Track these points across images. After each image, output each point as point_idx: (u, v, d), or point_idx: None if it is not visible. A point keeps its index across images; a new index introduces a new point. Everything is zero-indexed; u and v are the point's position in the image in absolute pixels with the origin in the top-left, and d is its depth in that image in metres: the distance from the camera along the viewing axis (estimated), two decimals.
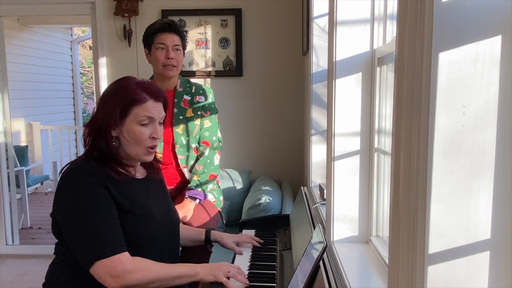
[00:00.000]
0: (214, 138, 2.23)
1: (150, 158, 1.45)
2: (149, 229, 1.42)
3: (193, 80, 2.36)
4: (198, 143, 2.24)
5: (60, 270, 1.42)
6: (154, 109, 1.40)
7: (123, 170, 1.42)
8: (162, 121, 1.47)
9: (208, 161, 2.19)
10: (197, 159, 2.22)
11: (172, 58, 2.10)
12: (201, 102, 2.22)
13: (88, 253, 1.29)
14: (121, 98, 1.38)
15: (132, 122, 1.38)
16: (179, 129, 2.18)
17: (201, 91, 2.23)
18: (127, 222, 1.37)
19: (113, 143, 1.40)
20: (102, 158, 1.40)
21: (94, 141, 1.41)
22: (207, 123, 2.23)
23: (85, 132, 1.44)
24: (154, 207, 1.47)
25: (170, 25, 2.13)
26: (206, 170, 2.18)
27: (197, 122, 2.21)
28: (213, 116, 2.25)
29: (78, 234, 1.31)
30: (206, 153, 2.20)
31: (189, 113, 2.19)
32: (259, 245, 1.78)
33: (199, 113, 2.21)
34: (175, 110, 2.17)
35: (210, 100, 2.24)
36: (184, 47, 2.18)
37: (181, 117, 2.18)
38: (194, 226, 2.04)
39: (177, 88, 2.20)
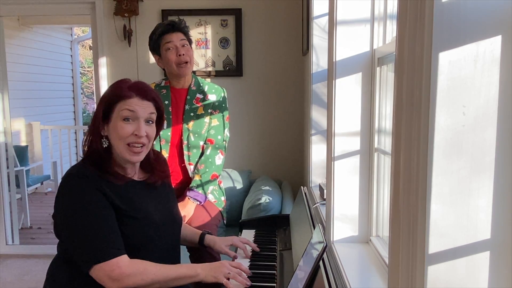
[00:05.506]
0: (219, 137, 2.23)
1: (135, 158, 1.41)
2: (147, 232, 1.42)
3: None
4: (205, 141, 2.25)
5: (61, 266, 1.42)
6: (137, 105, 1.38)
7: (120, 173, 1.42)
8: (152, 120, 1.44)
9: (210, 160, 2.18)
10: (197, 161, 2.23)
11: (183, 55, 2.13)
12: (212, 100, 2.24)
13: (86, 257, 1.30)
14: (108, 96, 1.41)
15: (116, 118, 1.38)
16: (189, 126, 2.19)
17: (213, 90, 2.25)
18: (125, 226, 1.37)
19: (104, 142, 1.40)
20: (98, 161, 1.39)
21: (90, 143, 1.42)
22: (215, 121, 2.24)
23: (86, 133, 1.45)
24: (154, 208, 1.46)
25: (172, 25, 2.15)
26: (207, 170, 2.17)
27: (207, 120, 2.22)
28: (221, 114, 2.26)
29: (76, 238, 1.32)
30: (208, 152, 2.19)
31: (200, 111, 2.21)
32: (252, 252, 1.73)
33: (209, 111, 2.22)
34: (187, 107, 2.20)
35: (221, 99, 2.26)
36: (190, 42, 2.20)
37: (192, 114, 2.19)
38: (195, 225, 2.04)
39: (191, 86, 2.23)
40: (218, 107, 2.24)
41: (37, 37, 6.19)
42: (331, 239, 1.56)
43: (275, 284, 1.49)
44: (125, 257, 1.32)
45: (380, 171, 1.51)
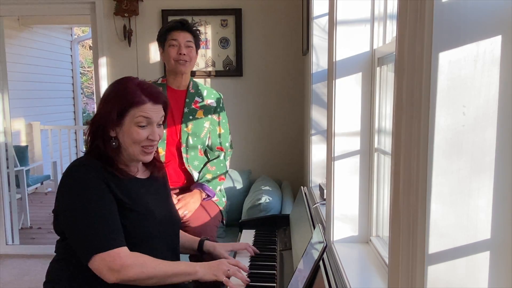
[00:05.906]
0: (227, 144, 2.29)
1: (147, 158, 1.45)
2: (148, 227, 1.42)
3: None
4: (210, 147, 2.27)
5: (60, 267, 1.43)
6: (152, 111, 1.40)
7: (124, 169, 1.43)
8: (161, 122, 1.47)
9: (222, 164, 2.25)
10: (207, 162, 2.25)
11: (184, 54, 2.12)
12: (212, 105, 2.24)
13: (87, 247, 1.30)
14: (119, 99, 1.39)
15: (130, 123, 1.39)
16: (187, 129, 2.19)
17: (212, 95, 2.26)
18: (127, 220, 1.37)
19: (113, 143, 1.41)
20: (102, 158, 1.41)
21: (93, 140, 1.42)
22: (220, 129, 2.26)
23: (86, 131, 1.45)
24: (155, 206, 1.47)
25: (182, 23, 2.16)
26: (218, 172, 2.22)
27: (206, 124, 2.23)
28: (224, 121, 2.29)
29: (78, 228, 1.32)
30: (222, 157, 2.26)
31: (200, 115, 2.22)
32: (255, 255, 1.74)
33: (209, 116, 2.23)
34: (186, 110, 2.20)
35: (221, 104, 2.27)
36: (197, 46, 2.20)
37: (190, 117, 2.20)
38: (194, 226, 2.03)
39: (190, 89, 2.22)
40: (220, 113, 2.26)
41: (37, 37, 6.19)
42: (331, 239, 1.56)
43: (275, 284, 1.49)
44: (125, 249, 1.32)
45: (380, 171, 1.50)
